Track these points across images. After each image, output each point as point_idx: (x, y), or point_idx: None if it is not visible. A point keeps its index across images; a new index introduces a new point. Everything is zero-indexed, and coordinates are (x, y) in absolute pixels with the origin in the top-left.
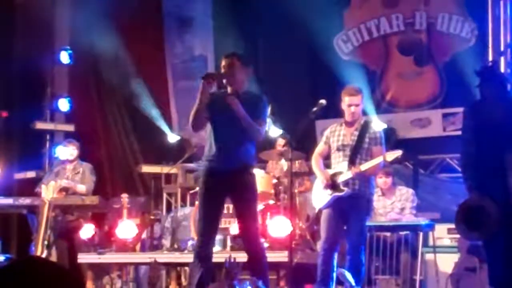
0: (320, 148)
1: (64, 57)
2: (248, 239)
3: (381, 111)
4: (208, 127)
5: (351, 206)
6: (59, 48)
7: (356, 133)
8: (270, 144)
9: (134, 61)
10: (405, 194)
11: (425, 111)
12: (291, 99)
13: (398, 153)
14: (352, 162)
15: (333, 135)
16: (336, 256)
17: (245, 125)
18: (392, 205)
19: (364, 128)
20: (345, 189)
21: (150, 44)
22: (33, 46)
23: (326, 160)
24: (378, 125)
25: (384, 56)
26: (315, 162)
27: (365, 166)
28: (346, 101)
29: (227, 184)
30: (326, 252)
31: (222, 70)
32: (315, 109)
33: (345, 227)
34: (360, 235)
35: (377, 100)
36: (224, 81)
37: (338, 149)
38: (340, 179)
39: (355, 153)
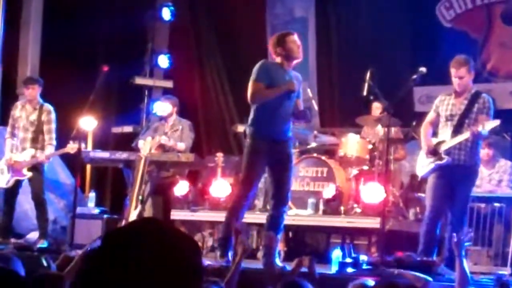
0: (430, 116)
1: (166, 14)
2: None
3: (481, 80)
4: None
5: (459, 176)
6: (161, 4)
7: (465, 102)
8: (366, 109)
9: (234, 20)
10: (503, 166)
11: None
12: (391, 65)
13: (495, 122)
14: (456, 130)
15: (442, 104)
16: (439, 225)
17: None
18: (490, 177)
19: (474, 98)
20: (446, 157)
21: (251, 4)
22: (136, 1)
23: (436, 129)
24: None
25: (487, 24)
26: (424, 130)
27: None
28: (452, 72)
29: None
30: (431, 221)
31: (274, 48)
32: (414, 76)
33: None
34: (464, 205)
35: (477, 69)
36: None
37: (446, 119)
38: (442, 148)
39: (461, 122)
